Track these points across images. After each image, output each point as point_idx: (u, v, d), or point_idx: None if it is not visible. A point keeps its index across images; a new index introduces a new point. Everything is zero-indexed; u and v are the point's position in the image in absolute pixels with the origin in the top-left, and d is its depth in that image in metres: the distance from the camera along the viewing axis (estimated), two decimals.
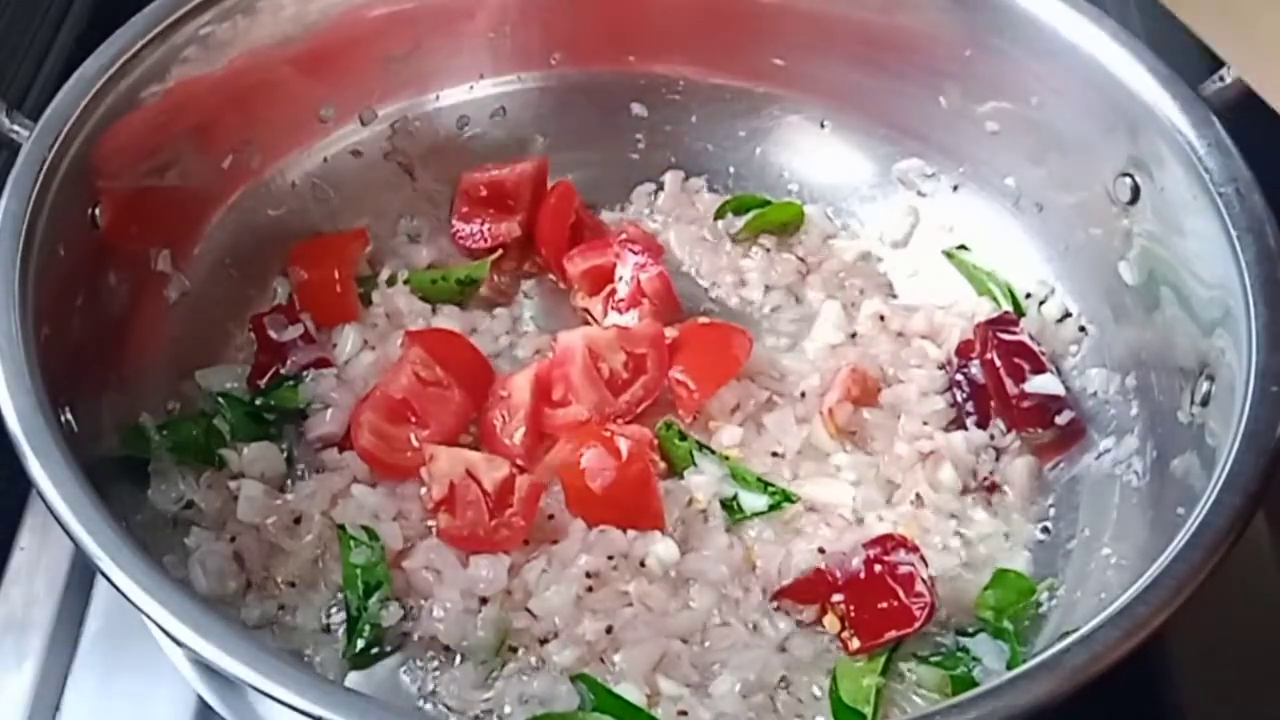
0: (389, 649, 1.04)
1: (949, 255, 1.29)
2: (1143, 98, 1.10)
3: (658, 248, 1.28)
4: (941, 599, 1.04)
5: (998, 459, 1.15)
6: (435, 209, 1.34)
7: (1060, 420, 1.15)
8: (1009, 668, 1.01)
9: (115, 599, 0.82)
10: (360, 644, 1.03)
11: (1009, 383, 1.16)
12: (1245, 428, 0.90)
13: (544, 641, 1.03)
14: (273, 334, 1.20)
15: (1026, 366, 1.16)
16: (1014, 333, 1.19)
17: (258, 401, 1.17)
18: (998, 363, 1.17)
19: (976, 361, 1.19)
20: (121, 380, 1.10)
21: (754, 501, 1.11)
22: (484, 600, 1.04)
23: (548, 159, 1.34)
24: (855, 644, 1.03)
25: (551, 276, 1.31)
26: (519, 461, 1.11)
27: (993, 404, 1.18)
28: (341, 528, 1.08)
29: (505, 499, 1.08)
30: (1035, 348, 1.18)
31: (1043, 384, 1.16)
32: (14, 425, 0.88)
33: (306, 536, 1.08)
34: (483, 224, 1.31)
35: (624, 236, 1.27)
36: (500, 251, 1.30)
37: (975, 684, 1.00)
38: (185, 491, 1.09)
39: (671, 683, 1.01)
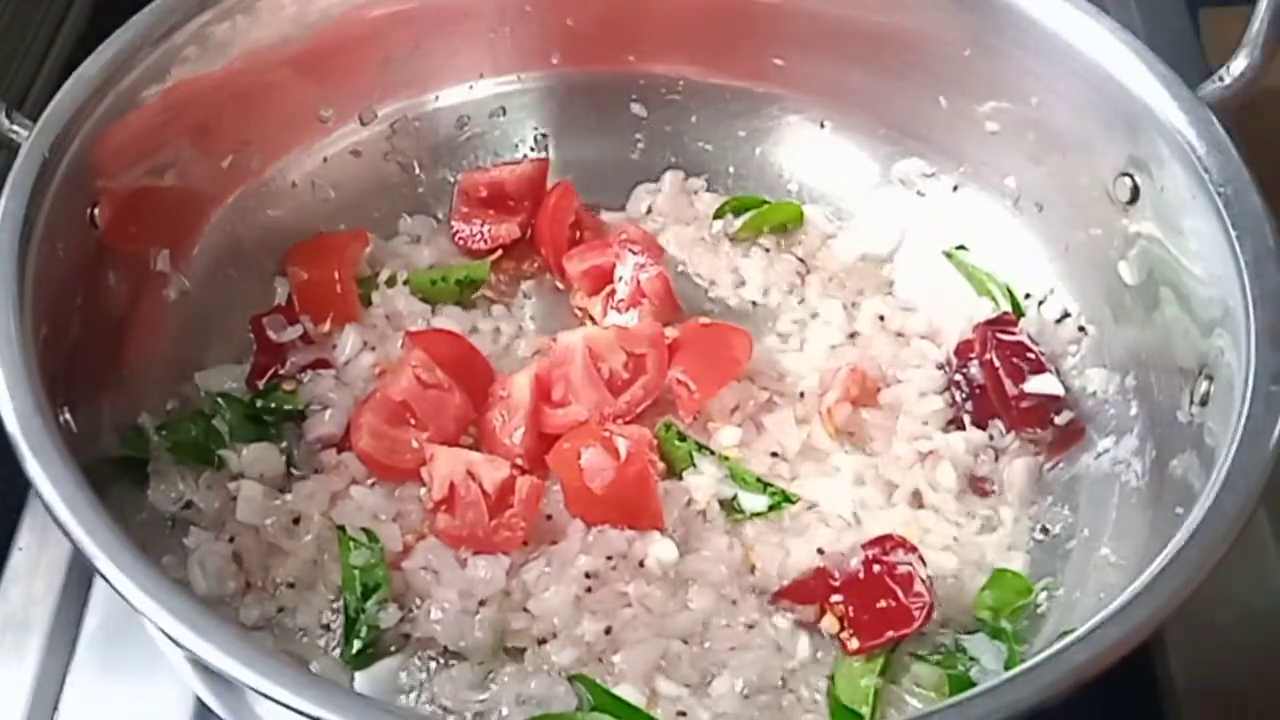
0: (390, 650, 1.04)
1: (948, 255, 1.29)
2: (1142, 98, 1.09)
3: (658, 248, 1.28)
4: (940, 599, 1.04)
5: (997, 459, 1.15)
6: (435, 209, 1.34)
7: (1059, 420, 1.14)
8: (1006, 668, 1.00)
9: (114, 599, 0.82)
10: (358, 645, 1.03)
11: (1008, 383, 1.16)
12: (1244, 427, 0.90)
13: (543, 642, 1.03)
14: (272, 334, 1.20)
15: (1025, 367, 1.16)
16: (1013, 333, 1.19)
17: (258, 404, 1.17)
18: (997, 363, 1.17)
19: (976, 362, 1.19)
20: (121, 380, 1.10)
21: (753, 502, 1.11)
22: (482, 601, 1.04)
23: (547, 160, 1.34)
24: (854, 644, 1.03)
25: (551, 276, 1.31)
26: (518, 461, 1.11)
27: (992, 404, 1.17)
28: (341, 529, 1.08)
29: (505, 500, 1.07)
30: (1034, 348, 1.18)
31: (1042, 384, 1.15)
32: (12, 425, 0.88)
33: (305, 537, 1.08)
34: (483, 224, 1.31)
35: (624, 237, 1.27)
36: (500, 252, 1.30)
37: (973, 684, 1.00)
38: (184, 492, 1.09)
39: (670, 683, 1.01)
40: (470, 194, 1.32)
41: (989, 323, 1.21)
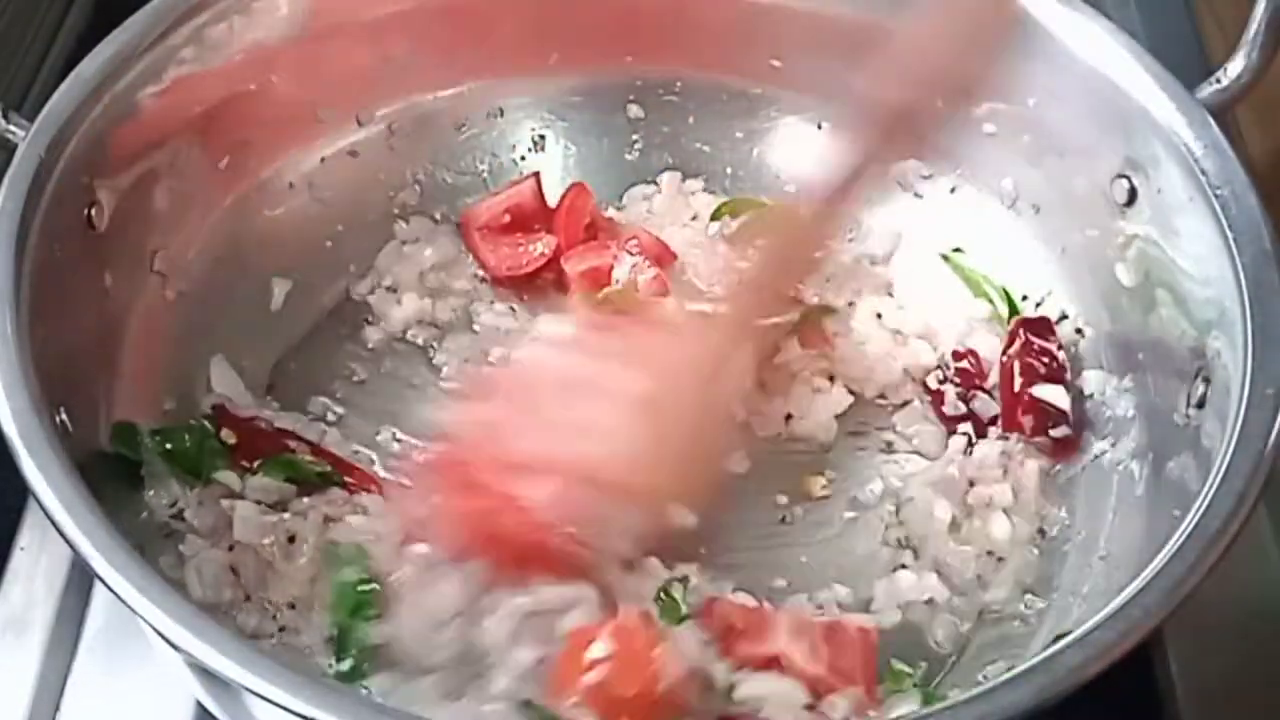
0: (373, 669, 1.00)
1: (945, 257, 1.29)
2: (1139, 100, 1.09)
3: (670, 255, 1.28)
4: None
5: (993, 462, 1.15)
6: (433, 210, 1.34)
7: (1055, 434, 1.14)
8: None
9: (115, 600, 0.82)
10: (349, 664, 1.00)
11: (1019, 381, 1.15)
12: (1241, 430, 0.90)
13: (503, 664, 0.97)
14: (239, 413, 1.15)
15: (1042, 370, 1.15)
16: (1048, 339, 1.18)
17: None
18: (1015, 360, 1.16)
19: (969, 363, 1.19)
20: (118, 380, 1.09)
21: None
22: (451, 618, 0.99)
23: (537, 173, 1.33)
24: None
25: (549, 276, 1.30)
26: None
27: (989, 407, 1.17)
28: (334, 543, 1.06)
29: None
30: (1060, 358, 1.16)
31: (1049, 393, 1.14)
32: (8, 425, 0.88)
33: (301, 560, 1.06)
34: (516, 247, 1.30)
35: (635, 242, 1.26)
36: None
37: None
38: (178, 498, 1.07)
39: None
40: (490, 225, 1.30)
41: (1027, 321, 1.20)
